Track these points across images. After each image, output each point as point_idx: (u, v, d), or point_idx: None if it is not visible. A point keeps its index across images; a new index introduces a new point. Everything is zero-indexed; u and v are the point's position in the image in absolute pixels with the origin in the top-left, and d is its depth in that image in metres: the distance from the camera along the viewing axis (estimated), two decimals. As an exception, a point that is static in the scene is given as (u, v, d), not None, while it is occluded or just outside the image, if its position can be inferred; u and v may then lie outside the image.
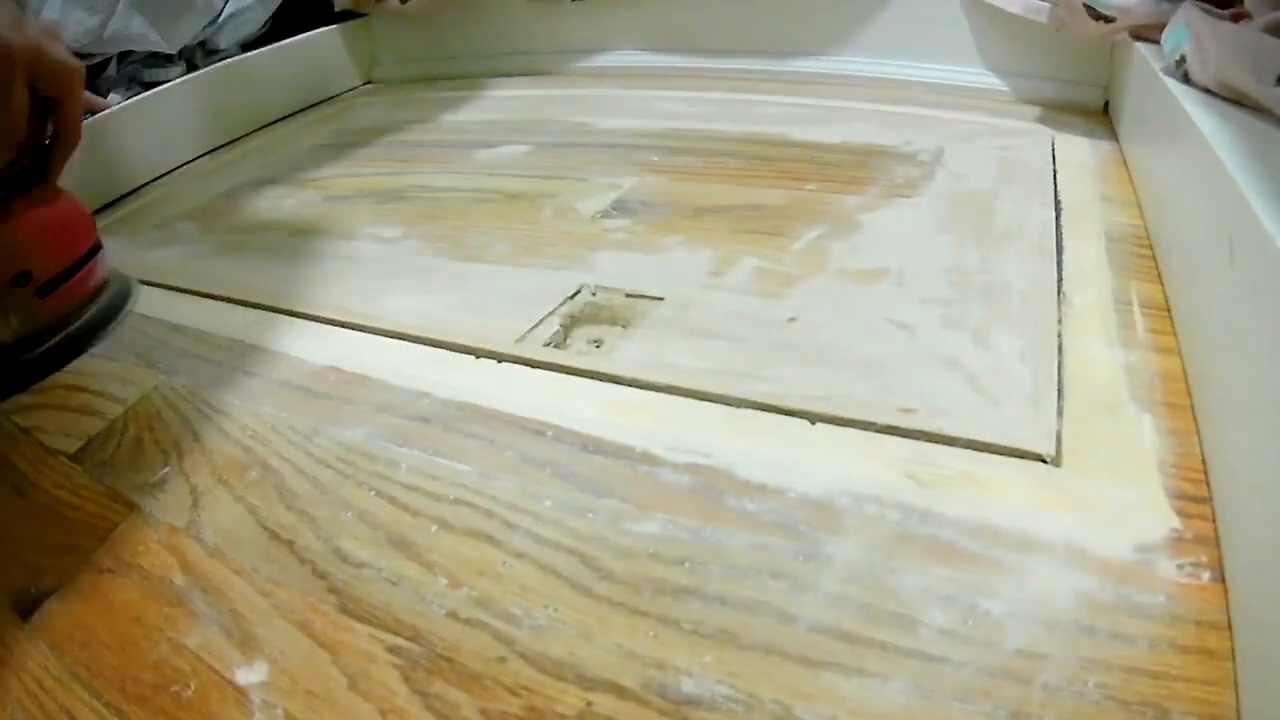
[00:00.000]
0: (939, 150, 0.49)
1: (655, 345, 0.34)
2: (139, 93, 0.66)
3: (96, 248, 0.41)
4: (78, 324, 0.40)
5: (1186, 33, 0.37)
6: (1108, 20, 0.47)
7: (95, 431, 0.35)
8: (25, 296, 0.37)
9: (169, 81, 0.69)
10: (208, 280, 0.46)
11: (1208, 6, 0.39)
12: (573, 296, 0.39)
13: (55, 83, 0.36)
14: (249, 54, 0.76)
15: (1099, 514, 0.24)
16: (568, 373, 0.33)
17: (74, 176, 0.47)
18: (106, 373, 0.39)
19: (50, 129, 0.38)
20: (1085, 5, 0.48)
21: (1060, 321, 0.32)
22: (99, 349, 0.41)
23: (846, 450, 0.28)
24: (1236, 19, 0.36)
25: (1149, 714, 0.19)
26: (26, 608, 0.26)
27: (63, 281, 0.38)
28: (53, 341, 0.39)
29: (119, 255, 0.51)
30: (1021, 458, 0.26)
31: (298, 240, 0.50)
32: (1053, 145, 0.49)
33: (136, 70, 0.68)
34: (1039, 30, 0.52)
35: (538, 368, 0.34)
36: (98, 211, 0.60)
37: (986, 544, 0.23)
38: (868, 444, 0.28)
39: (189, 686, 0.23)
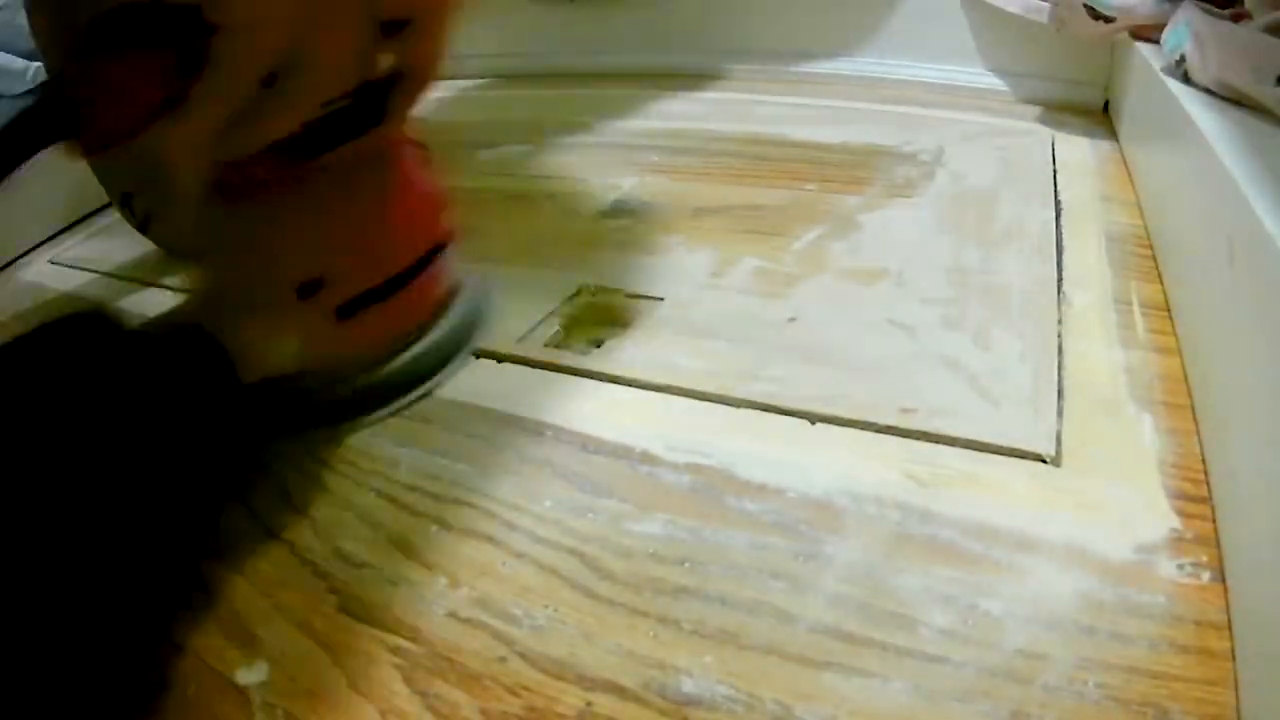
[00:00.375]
0: (939, 150, 0.49)
1: (655, 345, 0.34)
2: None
3: (439, 247, 0.27)
4: (390, 368, 0.27)
5: (1186, 32, 0.37)
6: (1108, 20, 0.47)
7: (95, 431, 0.35)
8: (314, 315, 0.25)
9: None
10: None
11: (1207, 6, 0.39)
12: (573, 296, 0.39)
13: None
14: (249, 54, 0.75)
15: (1099, 514, 0.24)
16: (568, 373, 0.33)
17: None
18: (106, 373, 0.39)
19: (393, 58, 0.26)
20: (1085, 5, 0.47)
21: (1060, 321, 0.32)
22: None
23: (846, 450, 0.28)
24: (1236, 19, 0.36)
25: (1149, 714, 0.19)
26: (26, 608, 0.26)
27: (373, 301, 0.26)
28: (343, 391, 0.27)
29: (117, 256, 0.51)
30: (1021, 458, 0.26)
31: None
32: (1053, 145, 0.49)
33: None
34: (1039, 30, 0.52)
35: (538, 368, 0.34)
36: (97, 212, 0.60)
37: (986, 544, 0.23)
38: (868, 444, 0.28)
39: (189, 686, 0.23)
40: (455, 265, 0.29)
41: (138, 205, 0.45)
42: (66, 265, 0.52)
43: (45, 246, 0.57)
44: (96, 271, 0.50)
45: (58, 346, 0.23)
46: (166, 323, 0.25)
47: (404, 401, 0.29)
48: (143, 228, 0.47)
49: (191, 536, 0.25)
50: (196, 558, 0.25)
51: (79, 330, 0.23)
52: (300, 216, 0.24)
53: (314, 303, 0.25)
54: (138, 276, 0.48)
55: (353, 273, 0.25)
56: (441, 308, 0.28)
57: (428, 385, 0.29)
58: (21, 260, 0.55)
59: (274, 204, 0.24)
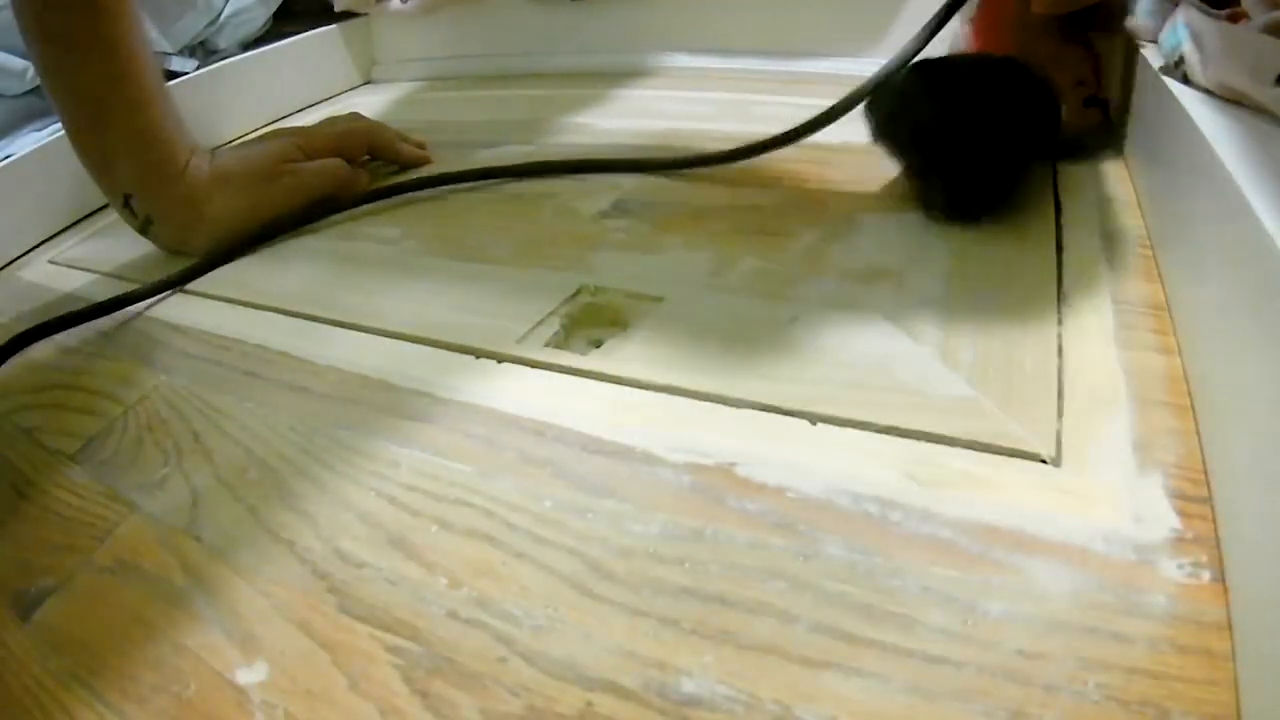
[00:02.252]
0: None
1: (655, 345, 0.34)
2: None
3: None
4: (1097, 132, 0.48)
5: (1184, 33, 0.37)
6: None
7: (95, 431, 0.35)
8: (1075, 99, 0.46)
9: (187, 73, 0.69)
10: (208, 280, 0.46)
11: (1204, 7, 0.39)
12: (573, 296, 0.39)
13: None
14: (249, 54, 0.76)
15: (1099, 514, 0.24)
16: (568, 373, 0.33)
17: (74, 176, 0.47)
18: (106, 373, 0.39)
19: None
20: None
21: (1060, 322, 0.32)
22: (100, 348, 0.41)
23: (846, 450, 0.28)
24: (1234, 19, 0.36)
25: (1149, 714, 0.19)
26: (26, 608, 0.26)
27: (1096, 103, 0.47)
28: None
29: (118, 255, 0.51)
30: (1021, 458, 0.26)
31: (297, 240, 0.50)
32: (1053, 145, 0.49)
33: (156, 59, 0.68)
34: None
35: (538, 368, 0.34)
36: (97, 211, 0.60)
37: (986, 544, 0.23)
38: (868, 444, 0.28)
39: (189, 686, 0.23)
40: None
41: (139, 207, 0.45)
42: (66, 265, 0.52)
43: (45, 246, 0.57)
44: (97, 271, 0.50)
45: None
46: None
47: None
48: (144, 229, 0.47)
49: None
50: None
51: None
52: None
53: (1078, 92, 0.47)
54: (138, 276, 0.48)
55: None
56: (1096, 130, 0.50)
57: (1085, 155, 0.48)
58: (21, 260, 0.55)
59: None
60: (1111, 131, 0.49)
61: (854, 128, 0.55)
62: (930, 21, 0.43)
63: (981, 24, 0.52)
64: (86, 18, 0.41)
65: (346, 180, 0.52)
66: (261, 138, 0.51)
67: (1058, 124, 0.44)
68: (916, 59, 0.43)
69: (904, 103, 0.42)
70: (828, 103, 0.61)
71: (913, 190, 0.45)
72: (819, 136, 0.54)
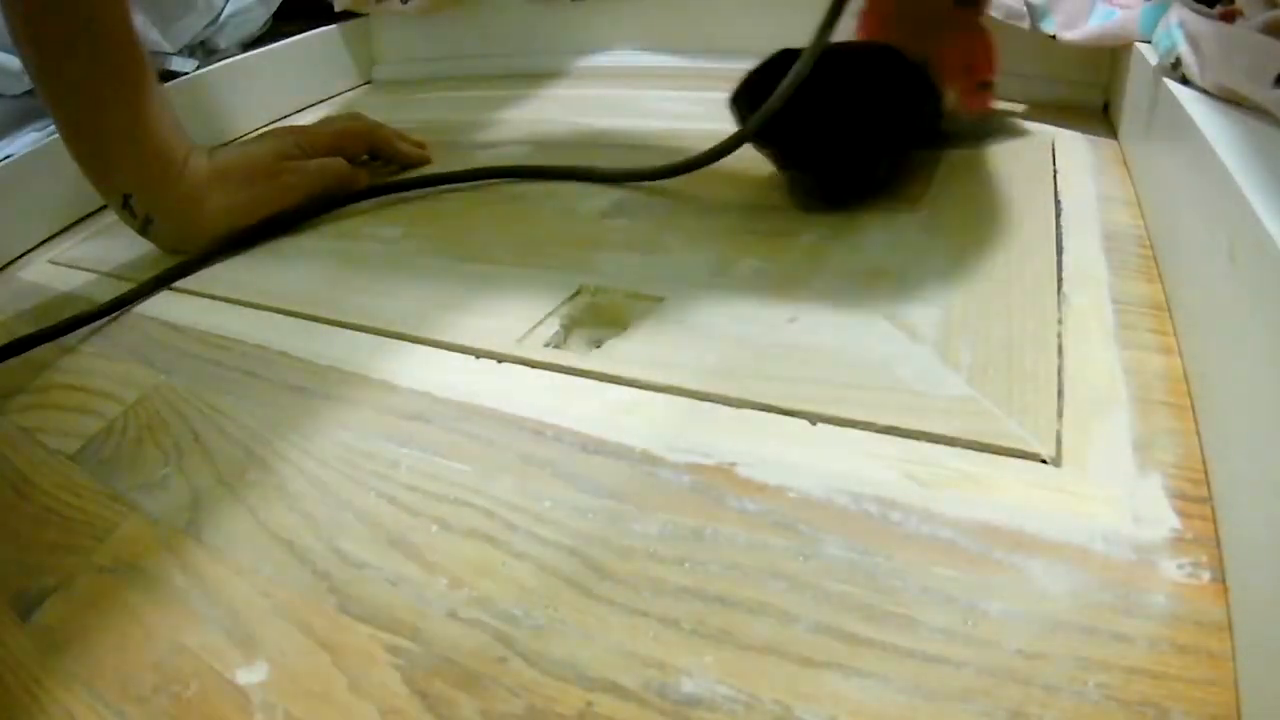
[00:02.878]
0: (939, 150, 0.49)
1: (655, 345, 0.34)
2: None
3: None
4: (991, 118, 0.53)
5: (1179, 34, 0.37)
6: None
7: (95, 431, 0.35)
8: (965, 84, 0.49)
9: (187, 73, 0.69)
10: (207, 280, 0.46)
11: (1197, 5, 0.39)
12: (573, 296, 0.39)
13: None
14: (249, 54, 0.76)
15: (1099, 514, 0.24)
16: (568, 373, 0.33)
17: (73, 176, 0.47)
18: (106, 373, 0.39)
19: None
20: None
21: (1060, 321, 0.32)
22: (100, 348, 0.41)
23: (846, 450, 0.28)
24: (1226, 17, 0.36)
25: (1149, 714, 0.19)
26: (26, 608, 0.26)
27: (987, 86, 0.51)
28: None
29: (118, 255, 0.51)
30: (1021, 458, 0.26)
31: (297, 240, 0.50)
32: (1053, 145, 0.49)
33: (155, 59, 0.68)
34: (1037, 31, 0.52)
35: (538, 368, 0.34)
36: (98, 211, 0.60)
37: (986, 544, 0.23)
38: (868, 444, 0.28)
39: (189, 686, 0.23)
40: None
41: (139, 206, 0.46)
42: (66, 265, 0.52)
43: (45, 246, 0.57)
44: (97, 271, 0.50)
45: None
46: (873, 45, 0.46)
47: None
48: (144, 229, 0.47)
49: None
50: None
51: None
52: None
53: (969, 76, 0.50)
54: (138, 276, 0.48)
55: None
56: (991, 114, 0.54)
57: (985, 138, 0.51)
58: (22, 260, 0.55)
59: None
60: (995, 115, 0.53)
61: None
62: (824, 19, 0.42)
63: (869, 14, 0.53)
64: (77, 19, 0.41)
65: (346, 178, 0.52)
66: (261, 136, 0.51)
67: (935, 109, 0.46)
68: (782, 49, 0.45)
69: (756, 88, 0.44)
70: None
71: (783, 179, 0.47)
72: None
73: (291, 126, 0.52)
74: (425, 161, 0.57)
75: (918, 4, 0.50)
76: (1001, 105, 0.54)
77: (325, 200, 0.51)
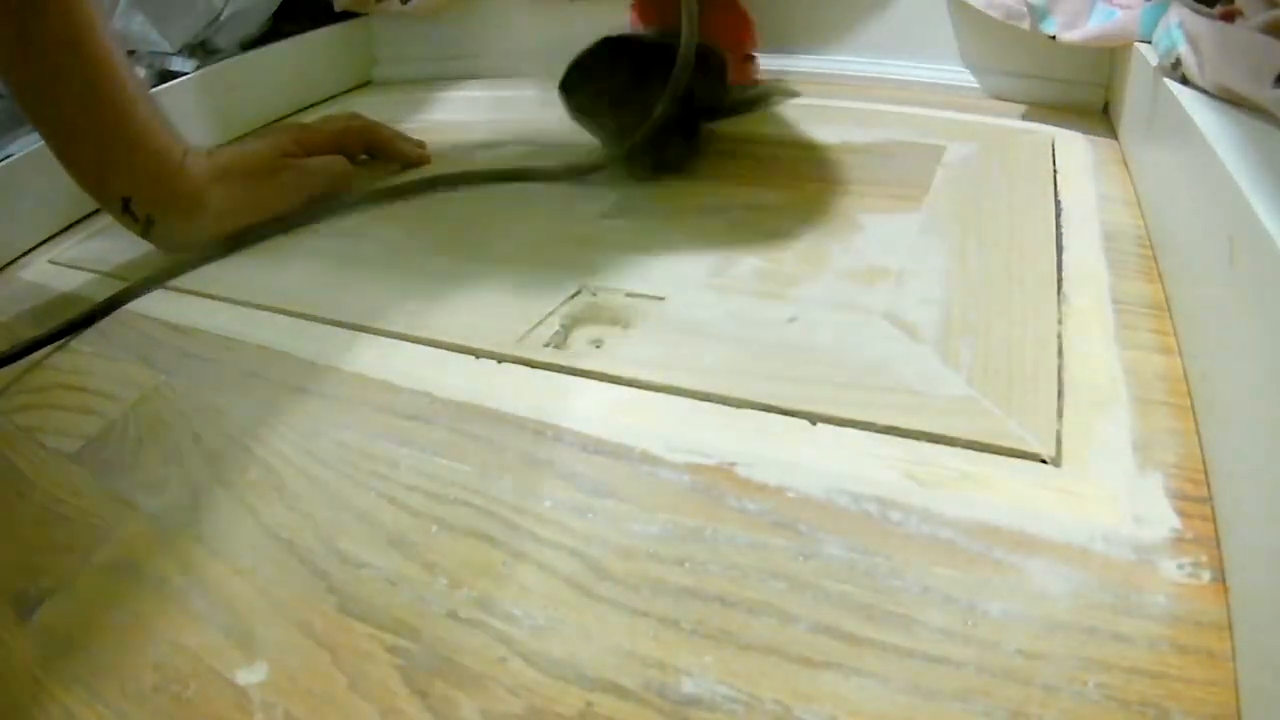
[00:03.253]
0: (939, 150, 0.49)
1: (655, 345, 0.34)
2: (152, 86, 0.67)
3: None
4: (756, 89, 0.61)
5: (1179, 34, 0.37)
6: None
7: (95, 431, 0.35)
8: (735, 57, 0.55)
9: (187, 73, 0.69)
10: (208, 280, 0.46)
11: (1196, 5, 0.39)
12: (573, 296, 0.39)
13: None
14: (249, 54, 0.76)
15: (1099, 514, 0.24)
16: (568, 373, 0.33)
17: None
18: (106, 373, 0.39)
19: None
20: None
21: (1060, 321, 0.32)
22: (100, 348, 0.41)
23: (846, 450, 0.28)
24: (1226, 17, 0.36)
25: (1149, 714, 0.19)
26: (26, 608, 0.26)
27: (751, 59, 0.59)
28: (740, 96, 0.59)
29: (119, 255, 0.51)
30: (1021, 458, 0.26)
31: (297, 240, 0.50)
32: (1053, 145, 0.49)
33: (155, 59, 0.68)
34: (1036, 31, 0.52)
35: (538, 368, 0.34)
36: (98, 211, 0.60)
37: (986, 544, 0.23)
38: (868, 444, 0.28)
39: (189, 686, 0.23)
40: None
41: (139, 208, 0.45)
42: (66, 265, 0.52)
43: (45, 246, 0.57)
44: (96, 271, 0.50)
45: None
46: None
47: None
48: (145, 231, 0.47)
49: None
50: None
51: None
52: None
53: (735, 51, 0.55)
54: (138, 276, 0.48)
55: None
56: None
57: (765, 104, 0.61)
58: (22, 260, 0.55)
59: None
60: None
61: (854, 128, 0.55)
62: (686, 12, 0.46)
63: (639, 7, 0.59)
64: (57, 42, 0.40)
65: (345, 176, 0.52)
66: (260, 133, 0.51)
67: (723, 84, 0.52)
68: (605, 37, 0.50)
69: (585, 80, 0.49)
70: (825, 102, 0.61)
71: (604, 152, 0.50)
72: (819, 136, 0.54)
73: (290, 124, 0.53)
74: (425, 161, 0.58)
75: None
76: (765, 83, 0.63)
77: (324, 200, 0.51)
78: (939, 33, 0.61)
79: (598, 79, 0.49)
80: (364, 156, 0.57)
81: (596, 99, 0.49)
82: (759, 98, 0.61)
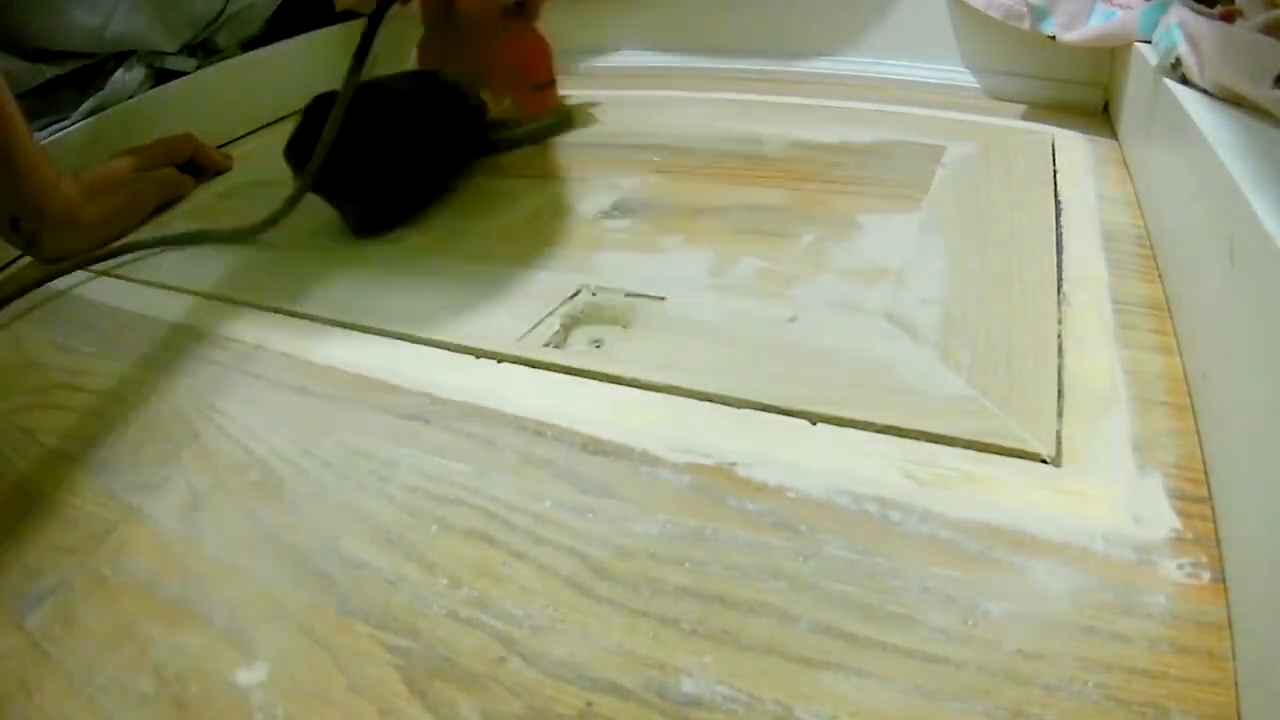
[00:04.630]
0: (939, 150, 0.49)
1: (655, 345, 0.34)
2: (152, 85, 0.67)
3: (552, 80, 0.60)
4: (546, 119, 0.59)
5: (1179, 34, 0.37)
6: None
7: (95, 431, 0.35)
8: (522, 89, 0.57)
9: (187, 73, 0.69)
10: (208, 280, 0.46)
11: (1196, 5, 0.39)
12: (573, 296, 0.39)
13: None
14: (249, 54, 0.75)
15: (1099, 514, 0.24)
16: (568, 373, 0.33)
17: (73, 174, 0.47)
18: (106, 373, 0.39)
19: None
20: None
21: (1060, 321, 0.32)
22: (100, 348, 0.41)
23: (846, 450, 0.28)
24: (1226, 17, 0.36)
25: (1149, 714, 0.19)
26: (26, 608, 0.26)
27: (544, 87, 0.58)
28: (526, 129, 0.58)
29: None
30: (1021, 458, 0.26)
31: (297, 240, 0.50)
32: (1053, 145, 0.49)
33: (155, 58, 0.68)
34: (1036, 31, 0.52)
35: (538, 368, 0.34)
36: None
37: (986, 544, 0.23)
38: (868, 444, 0.28)
39: (189, 686, 0.23)
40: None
41: (25, 226, 0.50)
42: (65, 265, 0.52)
43: None
44: (95, 272, 0.50)
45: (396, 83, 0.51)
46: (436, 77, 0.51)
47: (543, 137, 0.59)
48: (28, 246, 0.52)
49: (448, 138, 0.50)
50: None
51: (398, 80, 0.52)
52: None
53: (522, 82, 0.56)
54: (134, 276, 0.48)
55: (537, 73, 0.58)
56: (556, 110, 0.61)
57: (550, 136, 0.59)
58: (21, 260, 0.55)
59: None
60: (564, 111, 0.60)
61: (854, 127, 0.55)
62: (356, 50, 0.47)
63: (423, 46, 0.59)
64: None
65: (180, 184, 0.62)
66: (110, 156, 0.58)
67: (475, 122, 0.53)
68: (318, 95, 0.47)
69: (304, 136, 0.46)
70: (825, 102, 0.61)
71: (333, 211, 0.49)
72: (819, 136, 0.54)
73: (130, 147, 0.60)
74: (228, 168, 0.66)
75: (462, 28, 0.55)
76: (564, 101, 0.63)
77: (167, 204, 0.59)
78: (939, 33, 0.61)
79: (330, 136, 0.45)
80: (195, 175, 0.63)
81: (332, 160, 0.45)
82: (546, 129, 0.59)
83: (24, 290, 0.48)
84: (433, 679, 0.22)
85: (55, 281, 0.50)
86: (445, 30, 0.57)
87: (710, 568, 0.24)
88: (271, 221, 0.48)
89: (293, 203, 0.47)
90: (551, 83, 0.58)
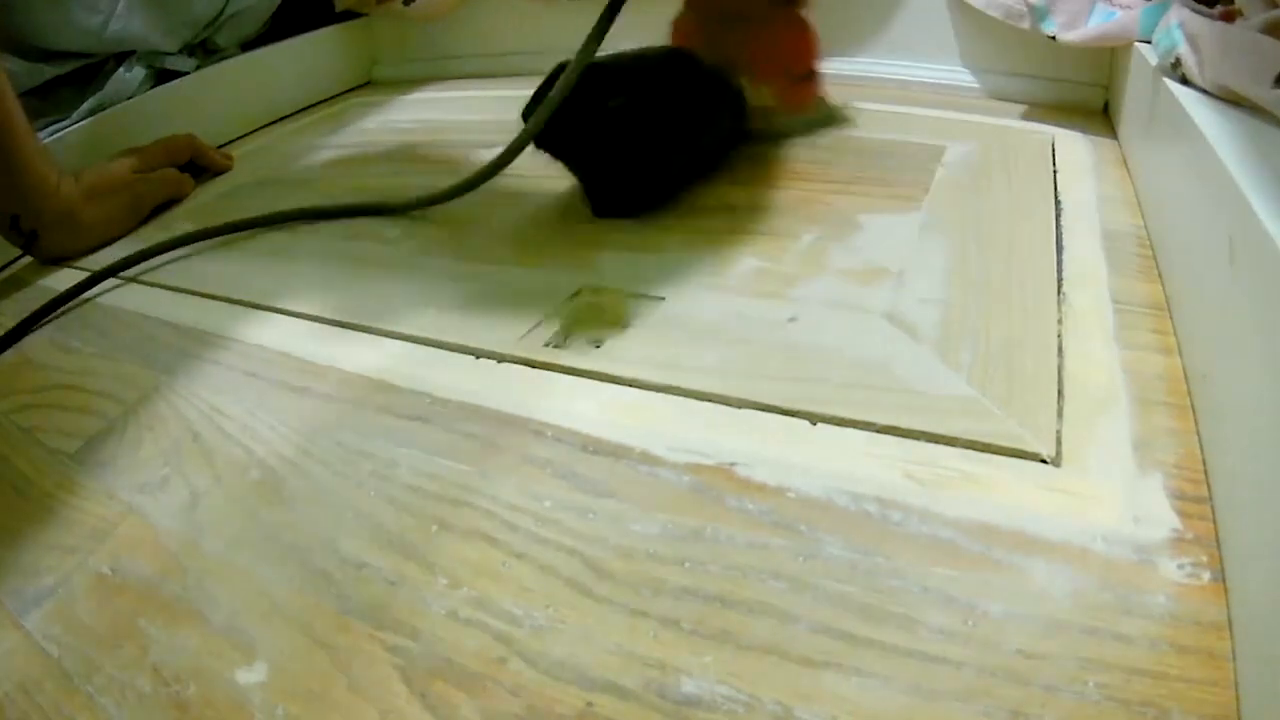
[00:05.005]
0: (939, 150, 0.49)
1: (655, 345, 0.34)
2: (152, 85, 0.67)
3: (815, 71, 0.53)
4: (816, 111, 0.55)
5: (1179, 34, 0.37)
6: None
7: (95, 431, 0.35)
8: (780, 80, 0.51)
9: (187, 73, 0.69)
10: (208, 280, 0.46)
11: (1197, 5, 0.39)
12: (573, 296, 0.39)
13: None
14: (249, 54, 0.76)
15: (1099, 514, 0.24)
16: (568, 373, 0.33)
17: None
18: (106, 373, 0.39)
19: None
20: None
21: (1060, 321, 0.32)
22: (100, 348, 0.41)
23: (846, 450, 0.28)
24: (1227, 17, 0.36)
25: (1149, 714, 0.19)
26: (26, 608, 0.26)
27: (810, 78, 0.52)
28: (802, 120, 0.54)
29: (120, 254, 0.51)
30: (1021, 458, 0.26)
31: (297, 240, 0.50)
32: (1053, 145, 0.49)
33: (155, 58, 0.68)
34: (1035, 31, 0.52)
35: (538, 368, 0.34)
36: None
37: (986, 544, 0.23)
38: (868, 444, 0.28)
39: (189, 687, 0.23)
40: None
41: (25, 224, 0.50)
42: (66, 266, 0.52)
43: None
44: (91, 271, 0.50)
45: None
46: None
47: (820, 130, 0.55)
48: (28, 245, 0.52)
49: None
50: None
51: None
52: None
53: (785, 71, 0.52)
54: (134, 277, 0.48)
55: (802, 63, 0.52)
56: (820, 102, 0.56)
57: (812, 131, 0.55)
58: (21, 260, 0.55)
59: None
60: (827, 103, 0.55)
61: (854, 127, 0.55)
62: (596, 25, 0.44)
63: (681, 20, 0.54)
64: None
65: (182, 183, 0.61)
66: (110, 157, 0.58)
67: (735, 111, 0.49)
68: (560, 63, 0.44)
69: (550, 109, 0.43)
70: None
71: (579, 189, 0.47)
72: (820, 136, 0.54)
73: (131, 148, 0.60)
74: (228, 168, 0.66)
75: (726, 6, 0.50)
76: (829, 97, 0.57)
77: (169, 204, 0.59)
78: (939, 33, 0.61)
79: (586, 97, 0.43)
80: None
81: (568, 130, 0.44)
82: (808, 123, 0.55)
83: (63, 300, 0.46)
84: (433, 679, 0.22)
85: (54, 282, 0.50)
86: (705, 8, 0.52)
87: (710, 568, 0.24)
88: (490, 173, 0.46)
89: (509, 156, 0.45)
90: (814, 75, 0.52)
